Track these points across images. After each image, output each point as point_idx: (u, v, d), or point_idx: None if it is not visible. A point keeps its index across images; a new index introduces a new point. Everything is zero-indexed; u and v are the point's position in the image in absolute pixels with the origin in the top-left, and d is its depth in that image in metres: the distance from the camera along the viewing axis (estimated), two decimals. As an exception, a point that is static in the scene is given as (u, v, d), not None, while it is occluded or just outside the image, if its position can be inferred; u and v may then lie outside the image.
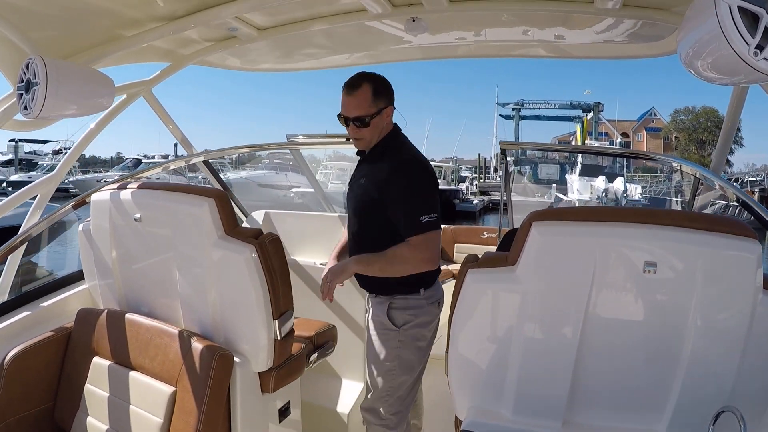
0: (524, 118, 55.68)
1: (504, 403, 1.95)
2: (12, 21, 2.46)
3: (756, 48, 1.45)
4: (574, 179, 31.69)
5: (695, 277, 1.74)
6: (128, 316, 2.48)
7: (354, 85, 2.45)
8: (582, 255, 1.82)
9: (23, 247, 2.98)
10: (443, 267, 3.35)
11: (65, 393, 2.52)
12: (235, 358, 2.30)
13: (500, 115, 57.25)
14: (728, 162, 48.44)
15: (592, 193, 28.14)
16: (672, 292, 1.80)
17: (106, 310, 2.56)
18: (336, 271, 2.45)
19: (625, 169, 34.36)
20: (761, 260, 1.74)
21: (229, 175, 28.09)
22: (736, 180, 36.37)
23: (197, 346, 2.23)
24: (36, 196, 3.06)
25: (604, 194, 26.90)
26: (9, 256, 2.93)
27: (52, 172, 3.09)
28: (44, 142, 45.36)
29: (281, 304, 2.36)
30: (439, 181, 3.06)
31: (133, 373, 2.34)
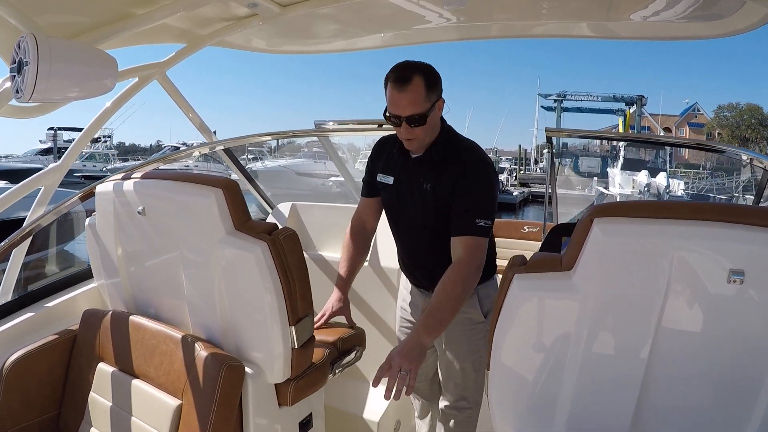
0: (566, 110, 54.66)
1: (555, 429, 1.66)
2: (11, 2, 2.23)
3: None
4: (615, 173, 31.04)
5: None
6: (133, 318, 2.24)
7: (404, 78, 2.14)
8: (654, 259, 1.51)
9: (27, 243, 2.76)
10: None
11: (70, 401, 2.31)
12: (247, 369, 2.05)
13: (542, 106, 56.45)
14: (769, 159, 46.95)
15: (633, 187, 27.50)
16: (762, 307, 1.48)
17: (111, 312, 2.33)
18: (411, 356, 2.02)
19: (667, 164, 33.59)
20: None
21: (267, 163, 28.59)
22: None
23: (203, 354, 1.98)
24: (40, 189, 2.84)
25: (646, 189, 26.29)
26: (12, 252, 2.71)
27: (57, 162, 2.87)
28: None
29: (299, 309, 2.09)
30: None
31: (136, 382, 2.12)
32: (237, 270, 2.05)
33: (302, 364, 2.16)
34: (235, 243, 2.03)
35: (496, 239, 2.66)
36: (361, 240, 2.62)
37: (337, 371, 2.42)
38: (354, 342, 2.56)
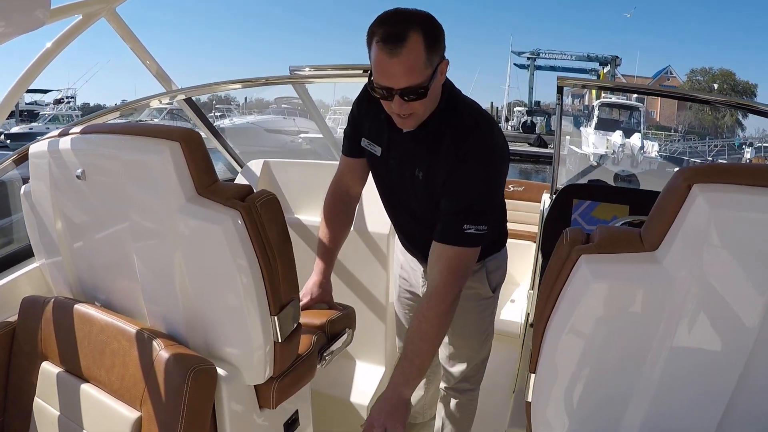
0: (539, 68, 53.72)
1: None
2: None
3: None
4: (589, 132, 30.99)
5: None
6: (77, 308, 1.81)
7: (397, 37, 1.56)
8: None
9: None
10: None
11: (14, 407, 1.90)
12: (220, 371, 1.64)
13: (515, 64, 55.23)
14: (741, 125, 47.62)
15: (608, 147, 27.46)
16: None
17: (53, 300, 1.89)
18: (395, 414, 1.76)
19: (642, 126, 33.57)
20: None
21: (236, 120, 28.16)
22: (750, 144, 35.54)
23: (163, 355, 1.56)
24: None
25: (620, 149, 26.21)
26: None
27: None
28: (45, 91, 42.95)
29: (282, 293, 1.67)
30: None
31: (86, 387, 1.71)
32: (201, 247, 1.62)
33: (287, 358, 1.76)
34: (198, 212, 1.59)
35: None
36: (343, 211, 2.20)
37: (327, 361, 2.03)
38: (344, 324, 2.17)
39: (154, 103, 3.12)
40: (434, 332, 1.76)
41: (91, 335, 1.73)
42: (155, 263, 1.73)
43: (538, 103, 51.63)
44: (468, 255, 1.76)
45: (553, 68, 53.68)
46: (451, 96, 1.80)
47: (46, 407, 1.78)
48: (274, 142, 23.90)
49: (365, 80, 1.76)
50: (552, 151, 3.83)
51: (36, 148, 1.99)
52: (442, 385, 2.40)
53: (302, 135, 24.31)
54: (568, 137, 33.19)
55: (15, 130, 29.53)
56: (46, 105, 42.16)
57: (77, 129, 1.91)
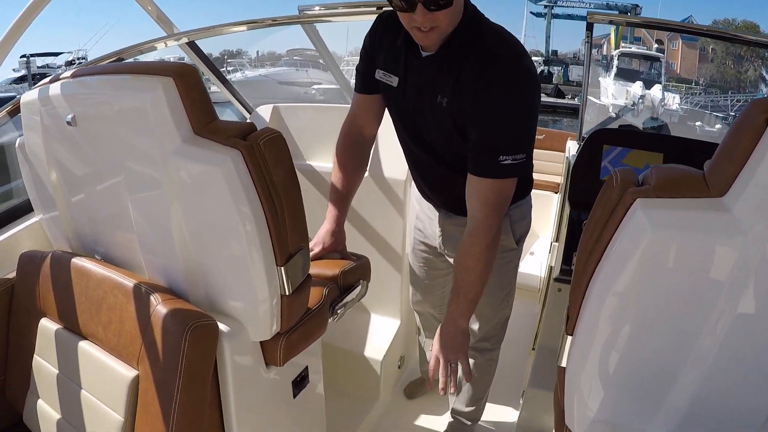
0: (556, 16, 52.32)
1: (661, 424, 1.16)
2: None
3: None
4: (608, 83, 30.28)
5: None
6: (74, 261, 1.69)
7: None
8: None
9: None
10: None
11: (14, 365, 1.82)
12: (222, 326, 1.53)
13: (531, 12, 53.99)
14: (765, 80, 46.28)
15: (627, 98, 26.81)
16: None
17: (50, 254, 1.78)
18: (456, 346, 1.81)
19: (662, 77, 32.73)
20: None
21: (248, 74, 27.96)
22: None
23: (161, 310, 1.45)
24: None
25: (640, 101, 25.56)
26: None
27: None
28: (56, 54, 42.42)
29: (289, 242, 1.53)
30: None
31: (84, 345, 1.61)
32: (200, 192, 1.48)
33: (295, 313, 1.64)
34: (194, 153, 1.44)
35: None
36: (356, 153, 2.04)
37: (339, 315, 1.91)
38: (358, 274, 2.03)
39: (160, 46, 2.94)
40: (481, 267, 1.70)
41: (89, 290, 1.62)
42: (151, 211, 1.60)
43: (555, 52, 50.62)
44: (506, 186, 1.64)
45: (570, 17, 52.38)
46: (474, 17, 1.62)
47: (45, 365, 1.69)
48: (286, 93, 23.74)
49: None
50: (569, 101, 3.63)
51: (27, 97, 1.85)
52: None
53: (315, 86, 24.10)
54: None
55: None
56: (58, 67, 41.93)
57: (68, 73, 1.76)
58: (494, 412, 2.67)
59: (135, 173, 1.59)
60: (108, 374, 1.53)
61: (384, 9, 1.54)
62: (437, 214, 2.06)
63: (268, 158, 1.45)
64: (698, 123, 23.55)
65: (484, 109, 1.56)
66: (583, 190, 1.70)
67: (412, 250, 2.31)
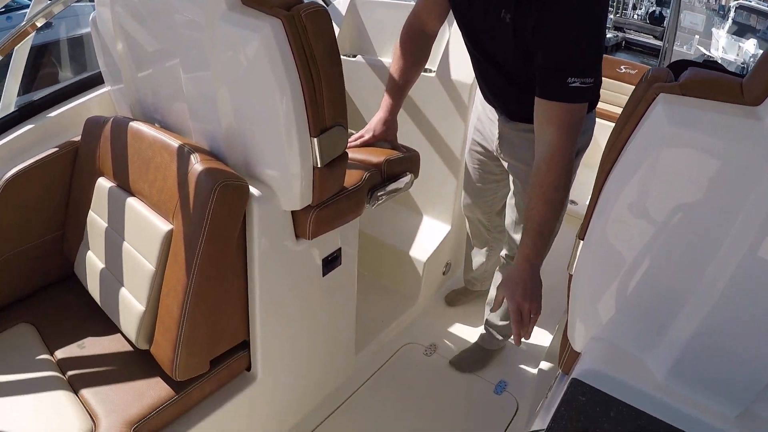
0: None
1: (659, 355, 1.11)
2: None
3: None
4: (721, 35, 28.12)
5: None
6: (132, 125, 1.80)
7: None
8: None
9: (29, 41, 2.28)
10: None
11: (72, 221, 1.97)
12: (255, 191, 1.60)
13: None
14: None
15: (738, 55, 24.89)
16: None
17: (112, 119, 1.89)
18: (536, 294, 1.61)
19: (781, 38, 30.13)
20: None
21: None
22: None
23: (197, 168, 1.53)
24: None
25: (751, 60, 23.71)
26: (14, 53, 2.25)
27: None
28: None
29: (325, 115, 1.56)
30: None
31: (131, 201, 1.72)
32: (240, 59, 1.52)
33: (328, 188, 1.69)
34: (238, 20, 1.48)
35: None
36: (417, 46, 2.01)
37: (378, 200, 1.94)
38: (404, 166, 2.04)
39: None
40: (559, 197, 1.58)
41: (141, 150, 1.73)
42: (198, 77, 1.67)
43: (667, -8, 47.42)
44: (576, 110, 1.56)
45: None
46: None
47: (97, 220, 1.83)
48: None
49: None
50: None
51: None
52: (503, 252, 2.29)
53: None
54: (696, 36, 30.54)
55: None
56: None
57: None
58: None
59: (186, 40, 1.65)
60: (147, 228, 1.63)
61: None
62: (498, 117, 2.03)
63: (309, 30, 1.47)
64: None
65: (548, 28, 1.50)
66: None
67: (469, 151, 2.28)
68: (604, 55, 2.68)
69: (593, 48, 1.55)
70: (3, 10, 5.55)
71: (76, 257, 1.92)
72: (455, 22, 1.84)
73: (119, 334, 1.81)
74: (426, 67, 2.11)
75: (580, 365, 1.14)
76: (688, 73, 1.00)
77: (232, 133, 1.65)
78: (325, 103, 1.55)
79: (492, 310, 1.69)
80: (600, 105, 1.98)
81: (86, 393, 1.64)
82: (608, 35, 36.13)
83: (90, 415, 1.58)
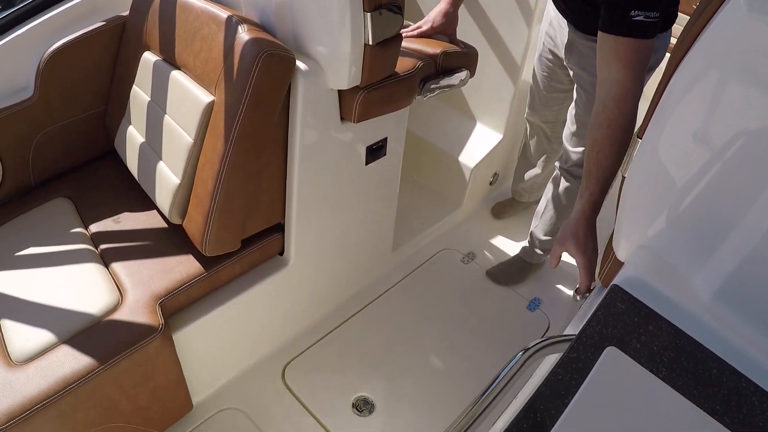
0: None
1: (707, 275, 1.01)
2: None
3: None
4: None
5: None
6: None
7: None
8: None
9: None
10: None
11: (116, 95, 1.94)
12: (301, 65, 1.52)
13: None
14: None
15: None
16: None
17: None
18: (576, 240, 1.44)
19: None
20: None
21: None
22: None
23: (243, 38, 1.46)
24: None
25: None
26: None
27: None
28: None
29: None
30: None
31: (175, 74, 1.66)
32: None
33: (379, 69, 1.60)
34: None
35: None
36: None
37: (429, 92, 1.85)
38: (460, 61, 1.93)
39: None
40: (623, 138, 1.44)
41: (188, 23, 1.65)
42: None
43: None
44: (642, 46, 1.44)
45: None
46: None
47: (140, 94, 1.79)
48: None
49: None
50: None
51: None
52: (558, 163, 2.19)
53: None
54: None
55: None
56: None
57: None
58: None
59: None
60: (189, 100, 1.58)
61: None
62: (569, 25, 1.91)
63: None
64: None
65: None
66: None
67: (539, 57, 2.17)
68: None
69: None
70: None
71: (117, 132, 1.90)
72: None
73: (155, 210, 1.81)
74: None
75: (623, 272, 1.07)
76: None
77: (282, 5, 1.57)
78: None
79: (551, 267, 1.56)
80: None
81: (116, 266, 1.65)
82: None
83: (118, 288, 1.60)
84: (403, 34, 1.63)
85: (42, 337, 1.44)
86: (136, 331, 1.49)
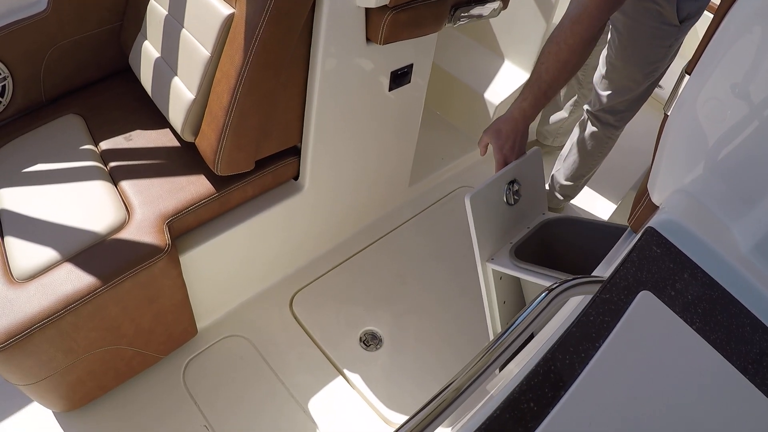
0: None
1: (748, 225, 0.95)
2: None
3: None
4: None
5: None
6: None
7: None
8: None
9: None
10: None
11: (132, 11, 1.84)
12: None
13: None
14: None
15: None
16: None
17: None
18: (515, 146, 1.55)
19: None
20: None
21: None
22: None
23: None
24: None
25: None
26: None
27: None
28: None
29: None
30: None
31: None
32: None
33: None
34: None
35: None
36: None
37: (459, 20, 1.75)
38: None
39: None
40: (575, 60, 1.46)
41: None
42: None
43: None
44: None
45: None
46: None
47: (157, 7, 1.69)
48: None
49: None
50: None
51: None
52: (586, 106, 2.10)
53: None
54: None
55: None
56: None
57: None
58: (590, 201, 2.54)
59: None
60: (208, 11, 1.49)
61: None
62: None
63: None
64: None
65: None
66: None
67: None
68: None
69: None
70: None
71: (132, 48, 1.82)
72: None
73: (167, 129, 1.75)
74: None
75: (660, 215, 0.99)
76: None
77: None
78: None
79: (481, 154, 1.61)
80: None
81: (125, 184, 1.60)
82: None
83: (126, 206, 1.55)
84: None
85: (45, 254, 1.40)
86: (141, 251, 1.44)
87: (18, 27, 1.68)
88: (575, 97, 2.38)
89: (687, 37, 1.80)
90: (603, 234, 1.43)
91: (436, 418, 0.77)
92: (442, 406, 0.78)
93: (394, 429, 0.84)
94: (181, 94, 1.56)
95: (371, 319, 1.97)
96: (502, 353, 0.88)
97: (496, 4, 1.85)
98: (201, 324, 1.83)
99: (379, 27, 1.53)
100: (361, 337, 1.92)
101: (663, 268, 0.89)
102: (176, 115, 1.60)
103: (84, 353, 1.47)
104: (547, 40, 1.45)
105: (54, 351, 1.38)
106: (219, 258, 1.72)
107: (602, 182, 2.52)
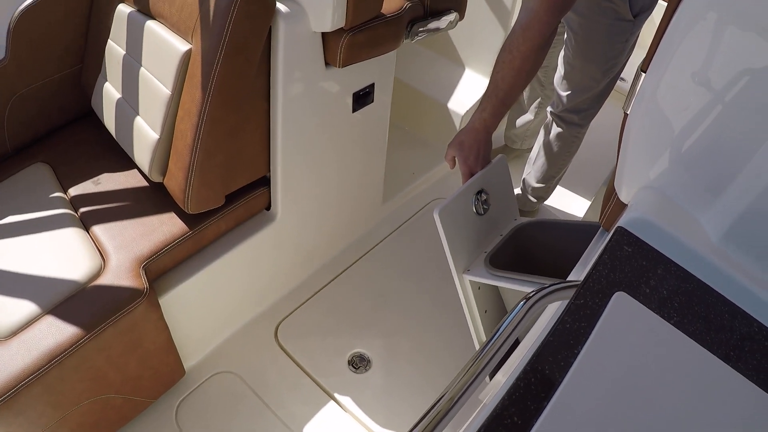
0: None
1: (715, 215, 0.95)
2: None
3: None
4: None
5: None
6: None
7: None
8: None
9: None
10: None
11: (91, 53, 1.83)
12: (282, 7, 1.45)
13: None
14: None
15: None
16: None
17: None
18: (479, 157, 1.55)
19: None
20: None
21: None
22: None
23: None
24: None
25: None
26: None
27: None
28: None
29: None
30: None
31: (150, 24, 1.57)
32: None
33: (364, 10, 1.52)
34: None
35: None
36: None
37: (417, 36, 1.76)
38: (450, 3, 1.86)
39: None
40: (529, 67, 1.47)
41: None
42: None
43: None
44: None
45: None
46: None
47: (115, 48, 1.69)
48: None
49: None
50: None
51: None
52: (549, 108, 2.12)
53: None
54: None
55: None
56: None
57: None
58: (564, 200, 2.56)
59: None
60: (165, 49, 1.49)
61: None
62: None
63: None
64: None
65: None
66: None
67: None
68: None
69: None
70: None
71: (94, 90, 1.81)
72: None
73: (135, 170, 1.74)
74: None
75: (628, 214, 1.00)
76: None
77: None
78: None
79: (450, 168, 1.62)
80: None
81: (97, 230, 1.58)
82: None
83: (100, 252, 1.53)
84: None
85: (24, 309, 1.37)
86: (120, 297, 1.43)
87: (-23, 80, 1.67)
88: (539, 99, 2.41)
89: (644, 28, 1.83)
90: (576, 234, 1.44)
91: (434, 428, 0.77)
92: (438, 417, 0.78)
93: None
94: (146, 134, 1.56)
95: (358, 341, 1.96)
96: (488, 363, 0.88)
97: (452, 17, 1.87)
98: (188, 363, 1.82)
99: (336, 50, 1.54)
100: (349, 360, 1.91)
101: (636, 266, 0.89)
102: (142, 155, 1.59)
103: (73, 406, 1.44)
104: (501, 48, 1.46)
105: (42, 407, 1.36)
106: (199, 296, 1.70)
107: (574, 180, 2.54)
